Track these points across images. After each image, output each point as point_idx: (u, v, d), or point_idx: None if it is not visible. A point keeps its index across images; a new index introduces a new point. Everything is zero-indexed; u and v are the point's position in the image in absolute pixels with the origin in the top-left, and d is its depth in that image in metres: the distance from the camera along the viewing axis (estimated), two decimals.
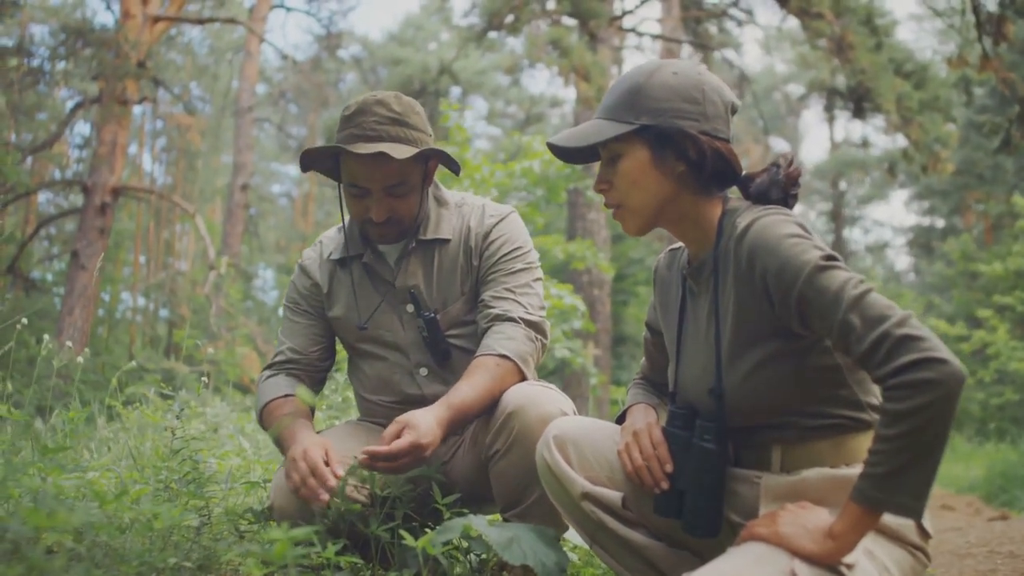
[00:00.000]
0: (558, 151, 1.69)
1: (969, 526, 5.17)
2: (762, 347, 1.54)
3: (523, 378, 2.05)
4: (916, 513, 1.33)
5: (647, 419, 1.73)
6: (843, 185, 28.80)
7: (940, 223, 26.67)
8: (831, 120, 28.09)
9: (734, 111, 1.66)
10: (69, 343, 3.15)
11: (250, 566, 1.33)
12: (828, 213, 30.01)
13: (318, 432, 2.22)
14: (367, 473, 1.92)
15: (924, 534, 1.53)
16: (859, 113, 13.49)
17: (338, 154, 2.08)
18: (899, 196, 38.29)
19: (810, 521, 1.41)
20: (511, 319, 2.10)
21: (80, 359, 3.50)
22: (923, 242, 27.38)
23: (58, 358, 2.95)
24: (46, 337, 3.07)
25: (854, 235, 32.22)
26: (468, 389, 1.97)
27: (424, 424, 1.85)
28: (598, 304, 11.89)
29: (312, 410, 2.26)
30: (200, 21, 17.09)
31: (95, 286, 13.14)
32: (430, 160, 2.16)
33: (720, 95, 1.62)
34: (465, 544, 1.87)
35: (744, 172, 1.66)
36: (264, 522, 2.01)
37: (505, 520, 1.98)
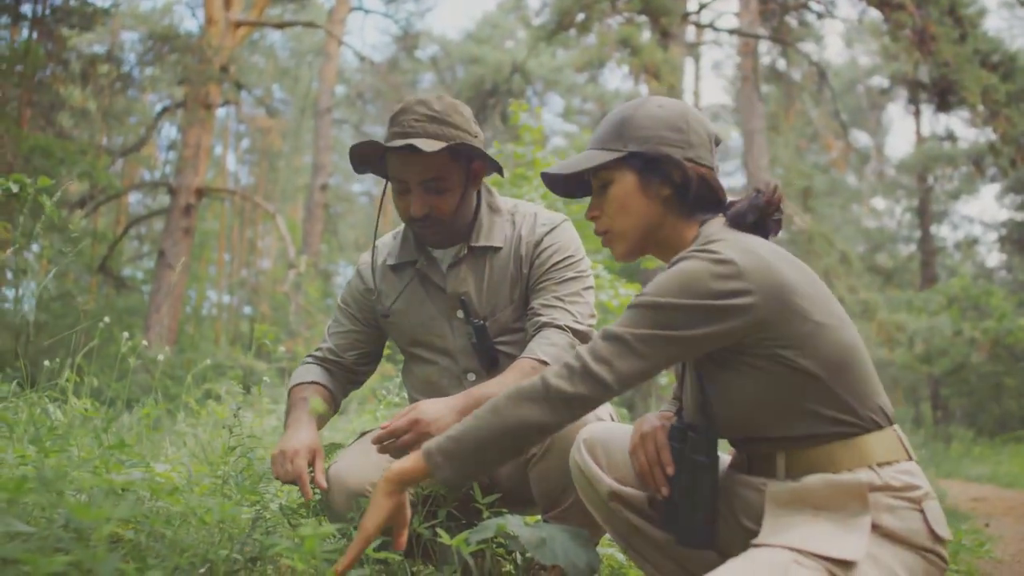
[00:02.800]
0: (552, 182, 1.83)
1: None
2: (732, 366, 1.59)
3: None
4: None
5: (656, 422, 1.77)
6: (930, 180, 27.86)
7: None
8: (917, 113, 27.23)
9: (717, 143, 1.76)
10: (145, 342, 3.29)
11: (295, 560, 1.39)
12: (914, 209, 29.11)
13: (361, 434, 2.31)
14: None
15: (937, 537, 1.51)
16: (943, 106, 13.10)
17: (382, 153, 2.15)
18: (990, 191, 36.90)
19: None
20: (558, 327, 2.12)
21: (160, 356, 3.65)
22: (1016, 238, 26.35)
23: (133, 355, 3.08)
24: (125, 334, 3.21)
25: (942, 231, 31.17)
26: (494, 384, 2.02)
27: (431, 408, 1.93)
28: None
29: (336, 404, 2.38)
30: (280, 25, 17.50)
31: (181, 284, 13.59)
32: (473, 161, 2.20)
33: (704, 127, 1.73)
34: (506, 543, 1.91)
35: (728, 199, 1.74)
36: (316, 517, 2.09)
37: (545, 522, 2.01)
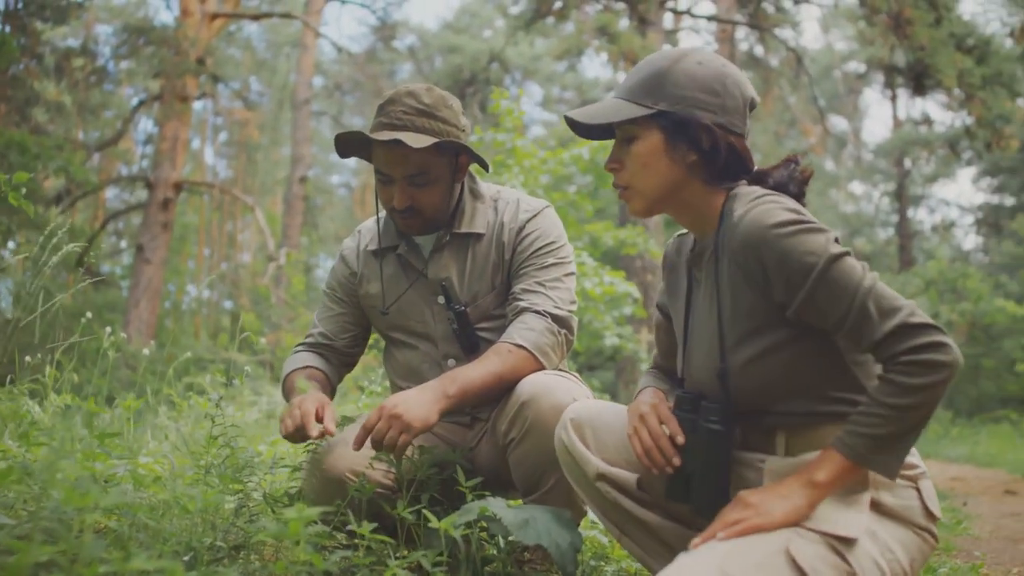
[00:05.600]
0: (576, 125, 1.73)
1: None
2: (762, 335, 1.57)
3: (539, 368, 2.09)
4: (895, 474, 1.46)
5: (653, 400, 1.74)
6: (907, 164, 28.04)
7: (1009, 200, 25.84)
8: (893, 98, 27.38)
9: (753, 107, 1.67)
10: (124, 335, 3.28)
11: (288, 548, 1.40)
12: (892, 193, 29.30)
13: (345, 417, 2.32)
14: (390, 456, 1.99)
15: (930, 515, 1.55)
16: (919, 90, 13.19)
17: (369, 141, 2.15)
18: (966, 174, 37.17)
19: (778, 490, 1.49)
20: (537, 312, 2.13)
21: (146, 351, 3.63)
22: (992, 220, 26.57)
23: (113, 348, 3.07)
24: (108, 329, 3.20)
25: (919, 215, 31.40)
26: (471, 368, 2.04)
27: (399, 397, 1.94)
28: (651, 290, 11.82)
29: (333, 389, 2.36)
30: (257, 17, 17.38)
31: (159, 279, 13.51)
32: (460, 155, 2.20)
33: (740, 90, 1.63)
34: (489, 526, 1.92)
35: (757, 167, 1.68)
36: (299, 503, 2.09)
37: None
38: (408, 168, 2.11)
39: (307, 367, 2.31)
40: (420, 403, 1.93)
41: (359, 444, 1.93)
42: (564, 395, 1.96)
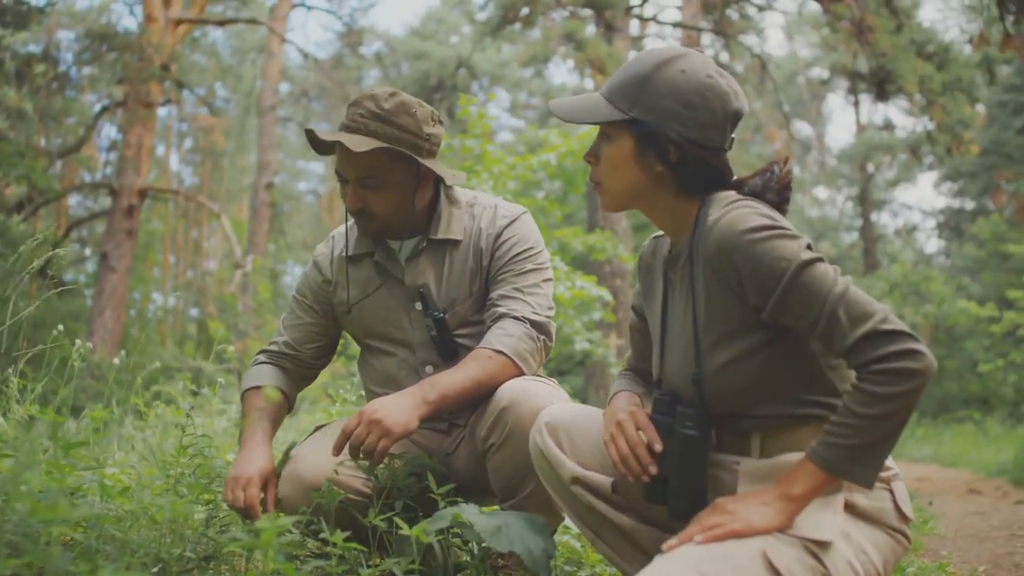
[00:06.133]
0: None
1: (994, 510, 5.17)
2: (737, 338, 1.57)
3: (519, 373, 2.09)
4: (871, 483, 1.45)
5: (629, 406, 1.74)
6: (870, 168, 28.43)
7: (970, 204, 26.26)
8: (856, 103, 27.78)
9: (737, 118, 1.65)
10: (89, 344, 3.23)
11: (258, 558, 1.39)
12: (856, 197, 29.69)
13: (315, 428, 2.30)
14: (366, 464, 1.98)
15: (903, 516, 1.56)
16: (882, 96, 13.40)
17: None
18: (927, 178, 37.79)
19: (758, 497, 1.49)
20: (516, 318, 2.13)
21: (116, 360, 3.58)
22: (953, 224, 26.98)
23: (79, 360, 3.02)
24: (78, 341, 3.15)
25: (882, 219, 31.83)
26: (450, 374, 2.04)
27: (379, 402, 1.94)
28: (620, 294, 11.88)
29: (290, 405, 2.35)
30: (222, 22, 17.25)
31: (125, 287, 13.33)
32: (421, 164, 2.18)
33: (722, 103, 1.61)
34: (462, 533, 1.91)
35: (735, 177, 1.69)
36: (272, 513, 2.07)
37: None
38: (357, 170, 2.12)
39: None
40: (400, 408, 1.93)
41: (338, 449, 1.92)
42: (544, 400, 1.96)
